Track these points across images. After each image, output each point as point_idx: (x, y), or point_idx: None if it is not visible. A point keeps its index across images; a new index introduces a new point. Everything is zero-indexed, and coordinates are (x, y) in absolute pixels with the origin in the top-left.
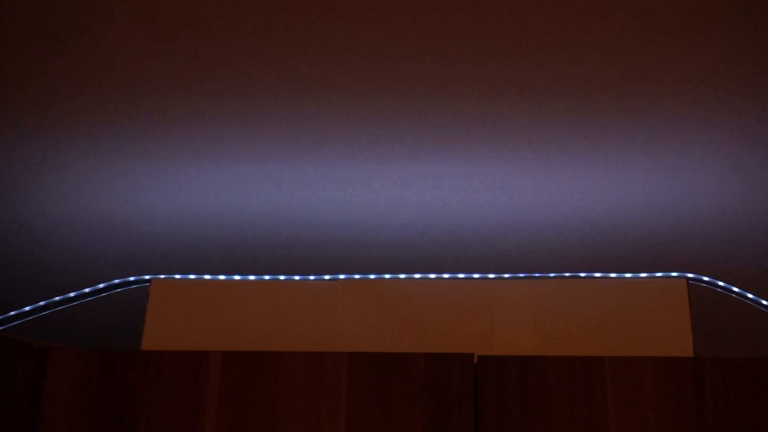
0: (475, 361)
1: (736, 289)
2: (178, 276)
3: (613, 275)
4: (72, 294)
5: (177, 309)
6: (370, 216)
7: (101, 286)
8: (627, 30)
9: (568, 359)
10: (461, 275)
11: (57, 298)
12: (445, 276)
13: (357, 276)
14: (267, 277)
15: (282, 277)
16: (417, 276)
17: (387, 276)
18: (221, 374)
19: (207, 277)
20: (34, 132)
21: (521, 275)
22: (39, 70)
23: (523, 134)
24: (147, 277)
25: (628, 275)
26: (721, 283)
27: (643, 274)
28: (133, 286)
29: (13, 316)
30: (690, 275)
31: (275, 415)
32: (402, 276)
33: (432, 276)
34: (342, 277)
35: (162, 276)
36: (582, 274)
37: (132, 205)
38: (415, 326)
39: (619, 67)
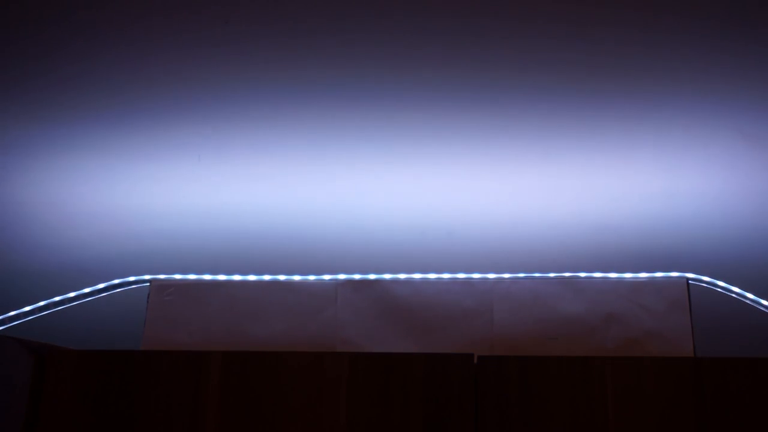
0: (475, 361)
1: (736, 289)
2: (178, 276)
3: (613, 275)
4: (72, 294)
5: (177, 309)
6: (370, 216)
7: (101, 286)
8: (628, 30)
9: (568, 359)
10: (461, 275)
11: (57, 298)
12: (445, 276)
13: (357, 276)
14: (267, 277)
15: (282, 277)
16: (417, 276)
17: (387, 276)
18: (221, 374)
19: (207, 277)
20: (33, 132)
21: (521, 275)
22: (38, 70)
23: (524, 135)
24: (147, 277)
25: (628, 275)
26: (721, 283)
27: (643, 274)
28: (133, 286)
29: (13, 316)
30: (690, 275)
31: (275, 414)
32: (402, 276)
33: (432, 276)
34: (342, 277)
35: (162, 276)
36: (582, 274)
37: (132, 205)
38: (415, 326)
39: (620, 67)
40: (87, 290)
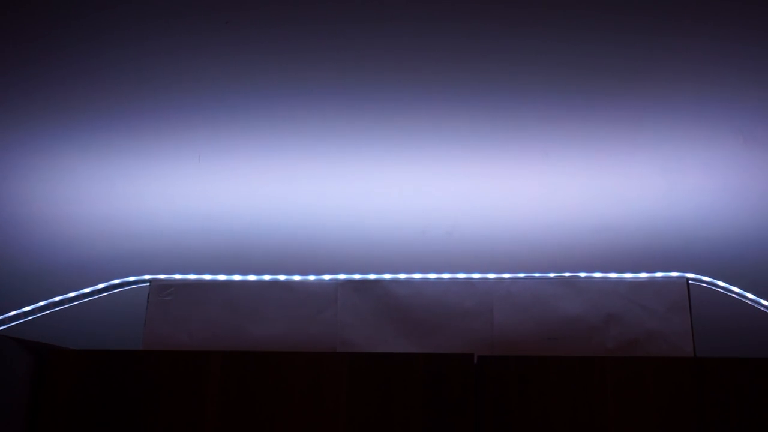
0: (475, 361)
1: (736, 289)
2: (178, 276)
3: (613, 275)
4: (72, 294)
5: (177, 309)
6: (370, 216)
7: (101, 286)
8: (628, 31)
9: (568, 359)
10: (461, 275)
11: (57, 298)
12: (445, 276)
13: (357, 276)
14: (267, 277)
15: (282, 277)
16: (417, 276)
17: (387, 276)
18: (221, 374)
19: (207, 277)
20: (33, 132)
21: (521, 275)
22: (39, 72)
23: (524, 135)
24: (147, 277)
25: (628, 275)
26: (721, 283)
27: (643, 274)
28: (133, 286)
29: (13, 316)
30: (690, 275)
31: (275, 415)
32: (402, 276)
33: (432, 276)
34: (342, 277)
35: (162, 276)
36: (582, 274)
37: (132, 205)
38: (415, 326)
39: (620, 68)
40: (87, 290)
